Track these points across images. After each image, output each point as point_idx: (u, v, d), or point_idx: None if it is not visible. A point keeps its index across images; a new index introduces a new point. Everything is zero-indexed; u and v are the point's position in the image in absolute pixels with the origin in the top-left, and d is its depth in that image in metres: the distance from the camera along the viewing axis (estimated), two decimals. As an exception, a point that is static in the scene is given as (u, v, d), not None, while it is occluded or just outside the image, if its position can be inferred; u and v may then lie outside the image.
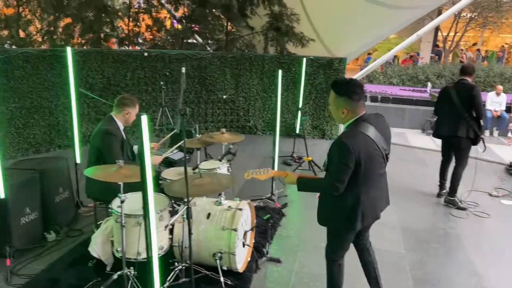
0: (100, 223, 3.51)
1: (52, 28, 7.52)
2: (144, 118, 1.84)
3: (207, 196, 3.48)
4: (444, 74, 14.19)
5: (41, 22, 7.61)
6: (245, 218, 3.44)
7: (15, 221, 3.47)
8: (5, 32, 6.90)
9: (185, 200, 2.77)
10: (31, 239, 3.64)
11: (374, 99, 11.85)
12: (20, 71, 5.99)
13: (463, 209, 4.91)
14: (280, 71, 4.58)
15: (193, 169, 3.72)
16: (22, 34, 7.27)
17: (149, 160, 1.95)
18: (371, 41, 8.52)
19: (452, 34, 22.73)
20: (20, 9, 6.94)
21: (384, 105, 11.29)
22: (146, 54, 7.34)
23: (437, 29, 21.98)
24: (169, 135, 4.28)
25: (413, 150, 7.86)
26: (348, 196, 2.42)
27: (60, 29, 7.72)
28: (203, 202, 3.38)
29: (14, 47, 6.84)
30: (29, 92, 6.14)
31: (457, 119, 4.79)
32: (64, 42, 7.67)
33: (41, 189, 3.78)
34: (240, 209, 3.25)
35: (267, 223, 3.71)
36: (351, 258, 2.84)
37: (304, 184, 2.59)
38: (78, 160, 4.35)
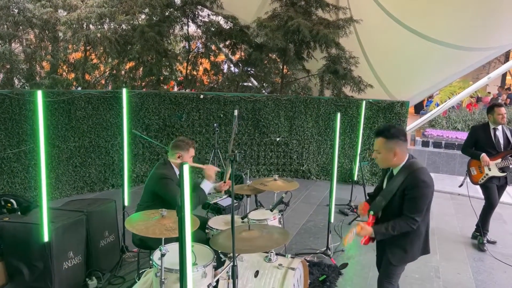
0: (143, 272, 3.30)
1: (115, 72, 7.88)
2: (186, 168, 1.61)
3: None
4: (516, 119, 13.04)
5: (106, 66, 8.02)
6: (298, 278, 3.05)
7: (57, 265, 3.34)
8: (72, 75, 7.30)
9: (231, 255, 2.48)
10: (72, 285, 3.48)
11: (437, 145, 11.02)
12: (81, 111, 6.21)
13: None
14: (338, 114, 4.27)
15: (242, 218, 3.44)
16: (87, 77, 7.67)
17: (189, 214, 1.70)
18: (436, 84, 8.01)
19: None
20: (87, 53, 7.36)
21: (448, 151, 10.46)
22: (202, 96, 7.40)
23: (505, 72, 20.65)
24: (229, 167, 4.05)
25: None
26: (421, 225, 2.66)
27: (123, 72, 8.07)
28: (251, 256, 3.05)
29: (79, 88, 7.19)
30: (89, 131, 6.32)
31: None
32: (126, 84, 7.98)
33: (87, 232, 3.67)
34: (293, 268, 2.87)
35: (322, 284, 3.28)
36: None
37: (380, 232, 2.63)
38: (126, 203, 4.24)
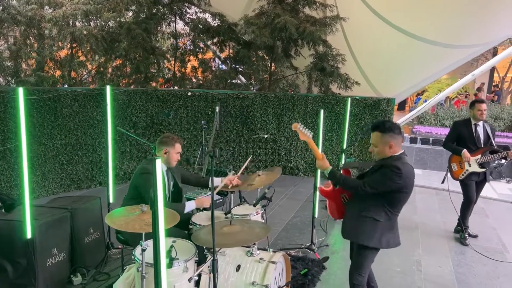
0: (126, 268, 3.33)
1: (102, 69, 7.84)
2: (158, 162, 1.64)
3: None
4: (502, 116, 13.23)
5: (93, 63, 7.98)
6: (279, 272, 3.10)
7: (41, 262, 3.34)
8: (58, 72, 7.26)
9: (212, 249, 2.52)
10: (56, 282, 3.49)
11: (425, 141, 11.15)
12: (68, 109, 6.19)
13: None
14: (322, 111, 4.33)
15: (225, 214, 3.48)
16: (74, 74, 7.63)
17: (162, 208, 1.73)
18: (421, 81, 8.12)
19: (510, 75, 21.48)
20: (74, 50, 7.32)
21: (436, 148, 10.58)
22: (189, 93, 7.40)
23: (492, 69, 20.94)
24: (247, 161, 4.13)
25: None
26: (394, 215, 2.84)
27: (110, 70, 8.04)
28: (234, 251, 3.09)
29: (66, 86, 7.15)
30: (75, 129, 6.30)
31: None
32: (113, 82, 7.96)
33: (71, 229, 3.68)
34: (274, 262, 2.92)
35: (304, 278, 3.33)
36: None
37: (334, 174, 2.96)
38: (111, 200, 4.25)
